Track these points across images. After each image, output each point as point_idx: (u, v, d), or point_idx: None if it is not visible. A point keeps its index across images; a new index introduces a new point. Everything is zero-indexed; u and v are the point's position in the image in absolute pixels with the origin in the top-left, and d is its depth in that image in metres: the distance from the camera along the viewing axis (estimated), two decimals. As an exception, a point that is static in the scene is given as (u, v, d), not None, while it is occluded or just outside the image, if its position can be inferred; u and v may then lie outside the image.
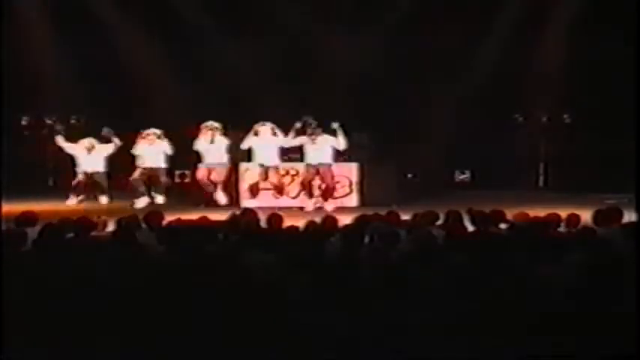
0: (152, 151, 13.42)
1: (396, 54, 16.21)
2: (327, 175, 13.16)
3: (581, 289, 5.25)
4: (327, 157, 13.17)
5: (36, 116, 16.95)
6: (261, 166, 13.32)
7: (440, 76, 16.50)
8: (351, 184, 13.67)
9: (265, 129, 13.21)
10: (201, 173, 13.37)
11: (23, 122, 16.95)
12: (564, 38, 16.12)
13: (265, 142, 13.25)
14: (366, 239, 7.04)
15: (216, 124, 13.31)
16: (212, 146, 13.30)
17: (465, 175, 17.49)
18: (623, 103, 14.98)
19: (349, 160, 13.62)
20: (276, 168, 13.39)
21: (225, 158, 13.37)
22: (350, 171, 13.62)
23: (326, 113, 13.42)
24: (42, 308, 5.19)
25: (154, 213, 8.53)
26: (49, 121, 16.74)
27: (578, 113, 16.64)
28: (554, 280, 5.45)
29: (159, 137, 13.42)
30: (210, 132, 13.26)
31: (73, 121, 16.45)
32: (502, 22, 16.47)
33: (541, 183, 17.11)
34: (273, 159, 13.35)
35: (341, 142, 13.04)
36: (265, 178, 13.35)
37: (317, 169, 13.14)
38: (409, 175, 15.67)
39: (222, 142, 13.33)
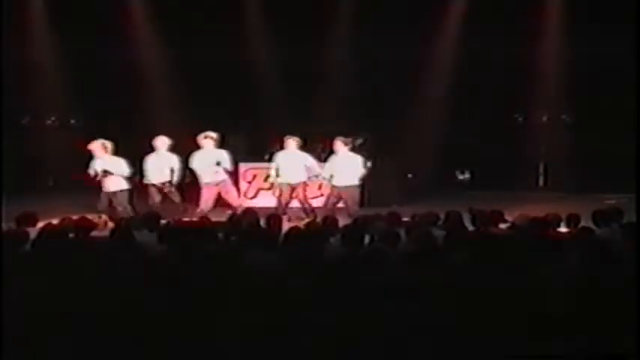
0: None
1: (396, 54, 16.20)
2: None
3: (581, 289, 5.24)
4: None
5: (36, 116, 16.97)
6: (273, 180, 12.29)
7: (440, 76, 16.51)
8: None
9: (291, 142, 12.14)
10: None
11: (23, 122, 16.97)
12: (564, 38, 16.12)
13: (292, 157, 12.13)
14: (366, 239, 7.04)
15: (213, 134, 12.01)
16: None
17: (465, 175, 17.51)
18: (624, 103, 15.00)
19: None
20: (304, 184, 12.19)
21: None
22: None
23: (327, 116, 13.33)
24: (42, 308, 5.19)
25: (151, 213, 8.54)
26: (49, 121, 16.80)
27: (578, 113, 16.65)
28: (554, 280, 5.45)
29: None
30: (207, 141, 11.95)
31: (72, 122, 16.48)
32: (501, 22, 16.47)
33: (541, 183, 17.12)
34: (299, 176, 12.14)
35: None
36: (291, 195, 12.17)
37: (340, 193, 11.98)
38: (409, 175, 15.66)
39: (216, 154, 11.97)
